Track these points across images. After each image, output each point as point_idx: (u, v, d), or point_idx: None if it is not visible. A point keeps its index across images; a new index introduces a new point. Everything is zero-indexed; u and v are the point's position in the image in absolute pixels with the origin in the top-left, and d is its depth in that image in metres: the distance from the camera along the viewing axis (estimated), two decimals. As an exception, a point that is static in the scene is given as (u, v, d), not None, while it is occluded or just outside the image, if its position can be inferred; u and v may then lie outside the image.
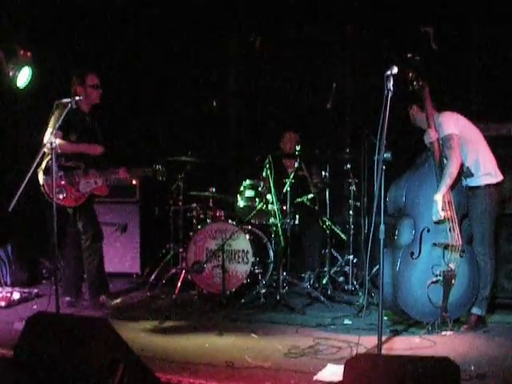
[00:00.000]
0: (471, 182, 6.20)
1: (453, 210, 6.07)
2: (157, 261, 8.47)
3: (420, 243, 6.14)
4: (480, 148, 6.21)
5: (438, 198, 6.00)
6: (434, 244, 6.11)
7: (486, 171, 6.16)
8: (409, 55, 5.96)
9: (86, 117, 7.05)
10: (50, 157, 6.65)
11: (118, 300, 7.30)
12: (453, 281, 6.03)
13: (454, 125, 6.14)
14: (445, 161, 6.13)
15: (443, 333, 5.95)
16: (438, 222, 6.06)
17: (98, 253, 7.11)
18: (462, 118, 6.26)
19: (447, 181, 6.01)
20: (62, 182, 6.78)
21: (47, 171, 6.73)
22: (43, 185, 6.78)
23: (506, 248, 6.81)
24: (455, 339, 5.86)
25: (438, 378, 3.60)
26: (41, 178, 6.77)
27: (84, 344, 4.05)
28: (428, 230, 6.14)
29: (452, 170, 6.01)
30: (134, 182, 8.56)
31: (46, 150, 6.45)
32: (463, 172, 6.20)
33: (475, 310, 6.20)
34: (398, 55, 5.95)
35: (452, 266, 6.04)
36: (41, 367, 4.08)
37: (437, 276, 6.04)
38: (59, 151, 6.46)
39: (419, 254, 6.13)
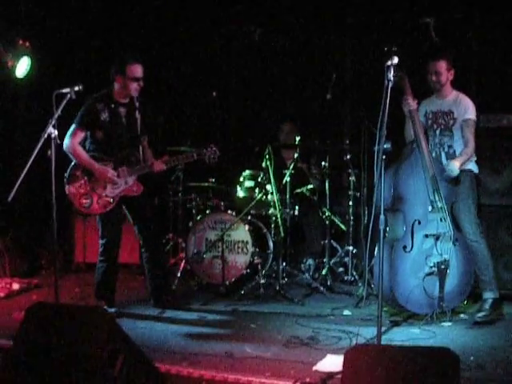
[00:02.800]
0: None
1: (442, 199, 6.07)
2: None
3: (412, 236, 6.11)
4: None
5: (456, 167, 6.06)
6: (426, 235, 6.09)
7: (474, 158, 6.31)
8: (385, 48, 5.84)
9: (121, 108, 6.46)
10: (73, 163, 6.36)
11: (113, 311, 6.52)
12: (448, 270, 6.02)
13: (475, 111, 6.28)
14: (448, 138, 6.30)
15: (443, 324, 5.94)
16: (432, 210, 6.06)
17: (103, 264, 6.52)
18: None
19: (464, 158, 6.15)
20: (87, 189, 6.33)
21: (70, 179, 6.35)
22: (67, 194, 6.36)
23: (505, 239, 6.79)
24: (455, 330, 5.87)
25: (437, 369, 3.60)
26: (66, 187, 6.35)
27: (84, 334, 4.06)
28: (419, 222, 6.11)
29: (471, 152, 6.20)
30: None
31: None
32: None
33: (489, 295, 6.19)
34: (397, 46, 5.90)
35: (445, 256, 6.03)
36: (40, 357, 4.08)
37: (431, 267, 6.03)
38: (74, 160, 6.31)
39: (412, 247, 6.10)
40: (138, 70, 6.37)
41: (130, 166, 6.46)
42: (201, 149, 6.72)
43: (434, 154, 6.31)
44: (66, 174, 6.36)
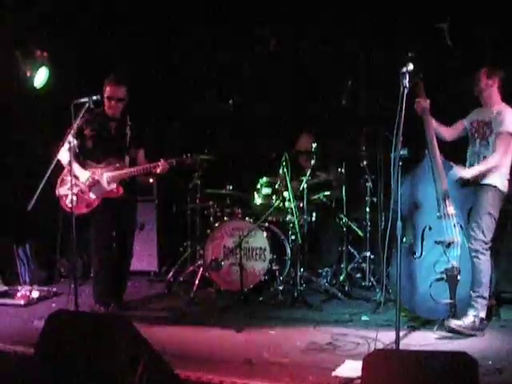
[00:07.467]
0: (483, 180, 6.07)
1: (451, 205, 5.99)
2: (174, 258, 8.54)
3: (422, 242, 6.09)
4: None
5: (466, 173, 5.98)
6: (436, 242, 6.03)
7: (502, 174, 6.03)
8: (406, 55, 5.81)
9: (111, 122, 6.89)
10: (65, 170, 6.77)
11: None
12: (458, 277, 5.88)
13: None
14: (477, 145, 6.12)
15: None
16: (441, 218, 6.00)
17: (96, 265, 6.94)
18: None
19: (482, 168, 5.98)
20: (74, 191, 6.53)
21: (61, 183, 6.80)
22: (58, 197, 6.81)
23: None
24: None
25: (456, 373, 3.61)
26: (56, 190, 6.82)
27: (104, 341, 4.09)
28: (430, 228, 6.09)
29: (492, 164, 5.95)
30: (151, 180, 8.59)
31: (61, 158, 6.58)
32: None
33: (471, 311, 5.96)
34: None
35: (454, 262, 5.90)
36: (61, 365, 4.11)
37: (440, 273, 5.95)
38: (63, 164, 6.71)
39: (421, 254, 6.09)
40: (114, 90, 6.79)
41: (113, 171, 6.82)
42: (182, 157, 7.03)
43: (467, 164, 6.18)
44: (59, 180, 6.79)
